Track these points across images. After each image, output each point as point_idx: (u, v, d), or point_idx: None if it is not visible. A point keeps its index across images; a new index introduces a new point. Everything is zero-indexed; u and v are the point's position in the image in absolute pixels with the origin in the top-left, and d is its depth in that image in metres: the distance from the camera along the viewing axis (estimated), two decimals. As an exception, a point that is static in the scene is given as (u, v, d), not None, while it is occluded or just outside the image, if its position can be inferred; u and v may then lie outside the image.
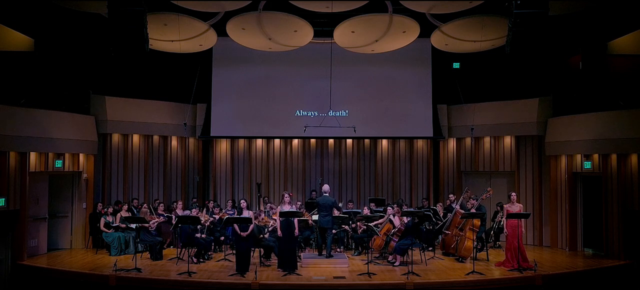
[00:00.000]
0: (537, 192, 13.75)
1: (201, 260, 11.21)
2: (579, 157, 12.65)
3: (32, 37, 12.75)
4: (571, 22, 12.19)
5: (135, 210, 12.34)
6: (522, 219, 10.61)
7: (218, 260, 11.31)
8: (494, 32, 11.61)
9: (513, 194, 10.83)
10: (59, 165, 12.21)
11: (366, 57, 14.06)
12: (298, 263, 10.55)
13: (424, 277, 9.76)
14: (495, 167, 14.42)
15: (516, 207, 10.65)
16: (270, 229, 11.30)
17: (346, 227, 12.22)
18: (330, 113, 14.06)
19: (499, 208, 12.36)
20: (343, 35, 12.21)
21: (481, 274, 9.98)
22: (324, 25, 12.91)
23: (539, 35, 11.45)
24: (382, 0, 11.31)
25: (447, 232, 11.78)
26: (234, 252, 10.65)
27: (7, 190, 10.88)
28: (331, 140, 15.32)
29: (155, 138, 14.52)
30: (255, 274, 9.71)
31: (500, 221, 11.92)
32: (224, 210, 12.86)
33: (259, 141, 15.37)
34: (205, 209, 12.73)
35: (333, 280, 9.63)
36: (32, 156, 11.60)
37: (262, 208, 12.86)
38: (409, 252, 10.54)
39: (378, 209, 12.76)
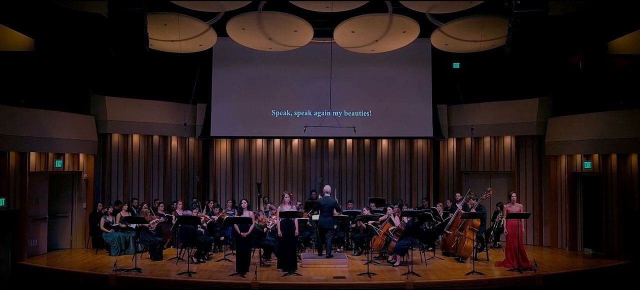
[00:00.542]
0: (537, 192, 13.75)
1: (201, 260, 11.20)
2: (579, 157, 12.65)
3: (32, 37, 12.74)
4: (571, 22, 12.18)
5: (135, 210, 12.33)
6: (522, 219, 10.61)
7: (218, 260, 11.30)
8: (494, 32, 11.60)
9: (513, 194, 10.83)
10: (59, 165, 12.21)
11: (366, 57, 14.06)
12: (298, 263, 10.55)
13: (424, 277, 9.76)
14: (495, 167, 14.41)
15: (516, 207, 10.65)
16: (270, 228, 11.29)
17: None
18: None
19: (499, 208, 12.36)
20: (343, 35, 12.20)
21: (481, 274, 9.98)
22: (324, 25, 12.91)
23: (539, 35, 11.45)
24: (382, 0, 11.31)
25: (448, 232, 11.75)
26: (234, 252, 10.66)
27: (7, 190, 10.88)
28: (331, 140, 15.32)
29: (155, 138, 14.52)
30: (255, 274, 9.71)
31: (500, 221, 11.92)
32: (224, 210, 12.86)
33: (259, 141, 15.36)
34: (205, 209, 12.74)
35: (333, 280, 9.63)
36: (32, 156, 11.60)
37: (261, 208, 12.86)
38: (409, 252, 10.54)
39: (378, 209, 12.76)
